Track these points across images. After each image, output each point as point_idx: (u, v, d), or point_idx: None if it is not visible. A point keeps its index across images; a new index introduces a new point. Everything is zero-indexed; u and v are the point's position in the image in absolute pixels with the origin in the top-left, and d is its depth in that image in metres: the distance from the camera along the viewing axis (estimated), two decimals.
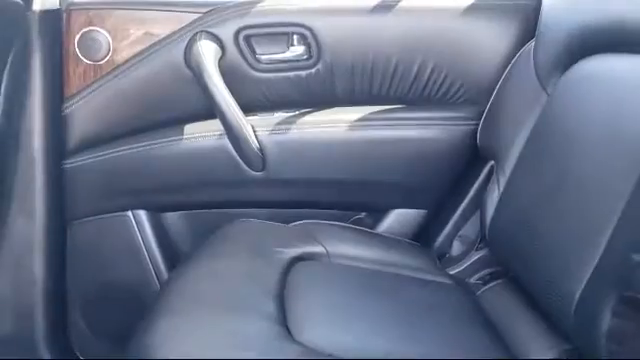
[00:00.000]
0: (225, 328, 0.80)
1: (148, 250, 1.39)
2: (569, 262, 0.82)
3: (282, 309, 0.89)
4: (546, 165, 0.99)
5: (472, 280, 1.17)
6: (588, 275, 0.76)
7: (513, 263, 1.06)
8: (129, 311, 1.38)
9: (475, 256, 1.21)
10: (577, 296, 0.78)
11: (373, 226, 1.38)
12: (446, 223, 1.32)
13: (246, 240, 1.16)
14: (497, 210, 1.12)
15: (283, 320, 0.85)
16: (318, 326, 0.85)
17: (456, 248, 1.29)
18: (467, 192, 1.29)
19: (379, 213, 1.39)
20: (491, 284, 1.13)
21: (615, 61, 0.92)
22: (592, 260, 0.77)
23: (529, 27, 1.23)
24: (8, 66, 1.14)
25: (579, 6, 1.07)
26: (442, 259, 1.28)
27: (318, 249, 1.15)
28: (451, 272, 1.20)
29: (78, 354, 1.43)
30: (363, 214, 1.41)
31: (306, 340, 0.80)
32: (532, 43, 1.19)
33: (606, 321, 0.71)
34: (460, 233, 1.30)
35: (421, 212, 1.37)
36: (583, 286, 0.77)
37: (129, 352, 0.81)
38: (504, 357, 0.87)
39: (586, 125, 0.92)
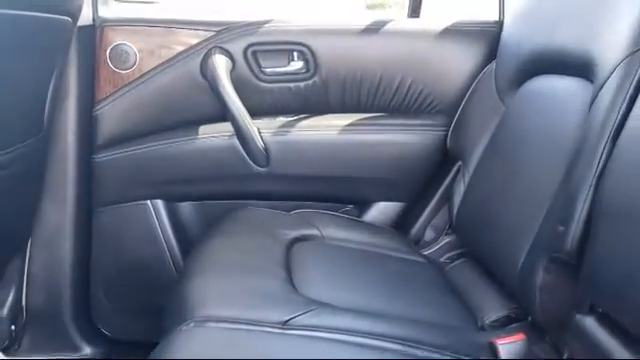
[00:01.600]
0: (246, 285, 1.01)
1: (164, 235, 1.58)
2: (516, 237, 1.05)
3: (289, 274, 1.10)
4: (501, 163, 1.23)
5: (442, 259, 1.40)
6: (529, 244, 1.00)
7: (474, 243, 1.29)
8: (146, 289, 1.59)
9: (444, 240, 1.44)
10: (521, 262, 1.01)
11: (359, 216, 1.60)
12: (421, 213, 1.54)
13: (254, 223, 1.37)
14: (462, 201, 1.36)
15: (291, 281, 1.06)
16: (317, 286, 1.06)
17: (429, 234, 1.51)
18: (439, 187, 1.52)
19: (364, 205, 1.61)
20: (456, 262, 1.35)
21: (555, 81, 1.15)
22: (532, 233, 1.00)
23: (492, 50, 1.47)
24: (54, 78, 1.32)
25: (530, 34, 1.30)
26: (417, 243, 1.50)
27: (314, 232, 1.36)
28: (424, 253, 1.42)
29: (100, 327, 1.61)
30: (351, 206, 1.62)
31: (309, 294, 1.01)
32: (494, 63, 1.43)
33: (540, 277, 0.94)
34: (432, 222, 1.53)
35: (400, 204, 1.60)
36: (525, 253, 1.00)
37: (172, 299, 1.01)
38: (464, 314, 1.09)
39: (531, 131, 1.15)
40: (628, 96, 0.84)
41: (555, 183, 0.98)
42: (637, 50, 0.86)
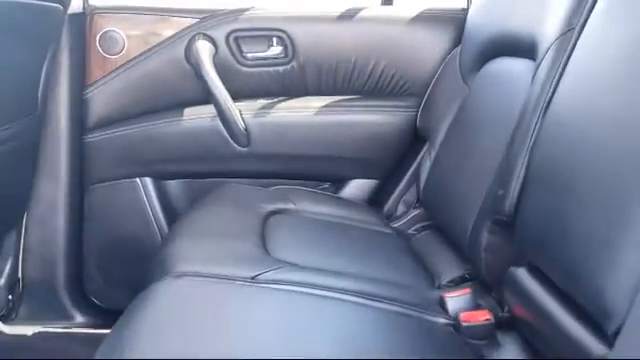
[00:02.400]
0: (225, 248, 1.11)
1: (152, 211, 1.68)
2: (468, 204, 1.15)
3: (263, 240, 1.19)
4: (460, 140, 1.33)
5: (409, 231, 1.50)
6: (477, 209, 1.10)
7: (437, 215, 1.39)
8: (136, 261, 1.67)
9: (412, 214, 1.54)
10: (470, 226, 1.11)
11: (336, 193, 1.70)
12: (393, 190, 1.64)
13: (234, 197, 1.47)
14: (427, 177, 1.46)
15: (264, 246, 1.16)
16: (287, 250, 1.15)
17: (400, 209, 1.61)
18: (410, 165, 1.62)
19: (341, 182, 1.71)
20: (422, 233, 1.45)
21: (510, 62, 1.25)
22: (480, 199, 1.10)
23: (458, 35, 1.57)
24: (47, 61, 1.42)
25: (490, 19, 1.40)
26: (390, 218, 1.60)
27: (290, 206, 1.46)
28: (394, 226, 1.52)
29: (92, 297, 1.71)
30: (328, 184, 1.72)
31: (278, 256, 1.11)
32: (459, 48, 1.53)
33: (484, 238, 1.04)
34: (404, 197, 1.63)
35: (374, 181, 1.70)
36: (474, 218, 1.10)
37: (153, 262, 1.11)
38: (422, 276, 1.19)
39: (486, 109, 1.25)
40: (558, 73, 0.94)
41: (501, 154, 1.08)
42: (568, 30, 0.96)
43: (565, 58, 0.93)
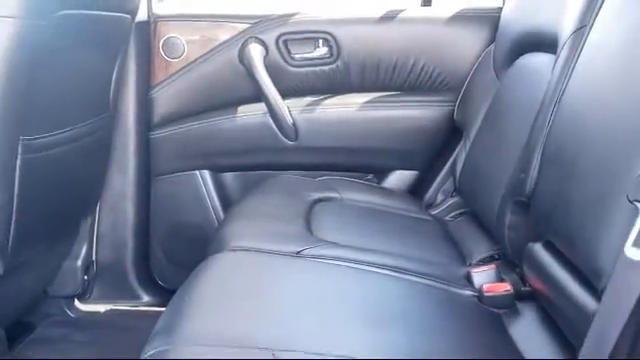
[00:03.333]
0: (273, 228, 1.25)
1: (210, 200, 1.84)
2: (496, 188, 1.24)
3: (308, 223, 1.32)
4: (492, 131, 1.42)
5: (447, 218, 1.60)
6: (502, 192, 1.19)
7: (472, 202, 1.49)
8: (195, 245, 1.83)
9: (450, 202, 1.64)
10: (497, 208, 1.21)
11: (378, 183, 1.82)
12: (433, 180, 1.75)
13: (283, 187, 1.61)
14: (463, 167, 1.55)
15: (309, 228, 1.29)
16: (329, 232, 1.28)
17: (439, 198, 1.72)
18: (448, 156, 1.72)
19: (383, 173, 1.82)
20: (458, 219, 1.55)
21: (537, 57, 1.33)
22: (505, 183, 1.19)
23: (493, 33, 1.65)
24: (117, 66, 1.59)
25: (521, 17, 1.48)
26: (430, 206, 1.71)
27: (334, 195, 1.59)
28: (432, 213, 1.63)
29: (157, 279, 1.89)
30: (371, 175, 1.84)
31: (322, 237, 1.24)
32: (493, 45, 1.62)
33: (508, 218, 1.14)
34: (443, 187, 1.73)
35: (414, 172, 1.80)
36: (499, 201, 1.20)
37: (211, 239, 1.26)
38: (454, 255, 1.30)
39: (515, 101, 1.34)
40: (570, 68, 1.02)
41: (523, 142, 1.17)
42: (581, 27, 1.04)
43: (578, 53, 1.02)
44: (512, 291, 1.06)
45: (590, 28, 1.00)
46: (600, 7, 0.99)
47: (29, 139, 1.21)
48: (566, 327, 0.90)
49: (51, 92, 1.25)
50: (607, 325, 0.69)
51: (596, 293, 0.76)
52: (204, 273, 1.02)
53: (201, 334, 0.80)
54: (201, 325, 0.83)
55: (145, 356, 0.76)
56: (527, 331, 1.00)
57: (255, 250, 1.11)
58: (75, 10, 1.22)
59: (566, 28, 1.12)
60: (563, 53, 1.08)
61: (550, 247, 0.98)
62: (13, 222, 1.22)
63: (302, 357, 0.75)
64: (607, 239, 0.74)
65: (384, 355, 0.80)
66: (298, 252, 1.12)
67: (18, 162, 1.19)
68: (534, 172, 1.06)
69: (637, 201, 0.67)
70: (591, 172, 0.82)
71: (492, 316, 1.04)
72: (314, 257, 1.12)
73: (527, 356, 0.93)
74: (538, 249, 1.00)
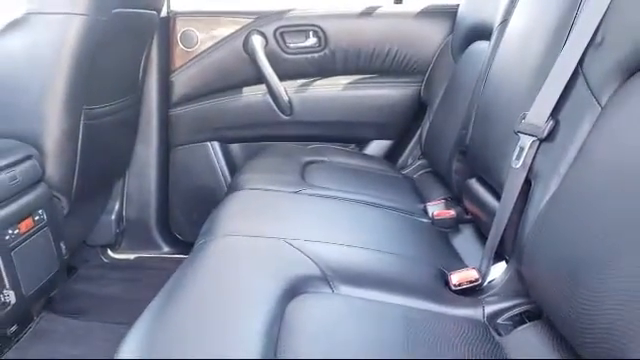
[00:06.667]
0: (275, 177, 1.61)
1: (219, 166, 2.20)
2: (447, 144, 1.61)
3: (302, 176, 1.69)
4: (447, 103, 1.80)
5: (415, 176, 1.97)
6: (451, 146, 1.57)
7: (432, 161, 1.86)
8: (207, 205, 2.18)
9: (417, 163, 2.01)
10: (447, 158, 1.58)
11: (360, 151, 2.19)
12: (405, 147, 2.13)
13: (282, 152, 1.97)
14: (427, 133, 1.93)
15: (303, 182, 1.65)
16: (320, 181, 1.64)
17: (409, 161, 2.09)
18: (416, 128, 2.10)
19: (364, 143, 2.20)
20: (423, 176, 1.92)
21: (483, 45, 1.70)
22: (453, 139, 1.56)
23: (452, 25, 2.03)
24: (144, 54, 1.95)
25: (471, 12, 1.85)
26: (402, 169, 2.08)
27: (323, 159, 1.94)
28: (403, 172, 2.00)
29: (175, 233, 2.25)
30: (353, 145, 2.21)
31: (314, 185, 1.60)
32: (452, 35, 1.99)
33: (454, 164, 1.52)
34: (413, 153, 2.11)
35: (390, 142, 2.18)
36: (448, 152, 1.57)
37: (228, 187, 1.62)
38: (415, 198, 1.67)
39: (464, 80, 1.71)
40: (495, 51, 1.40)
41: (466, 108, 1.54)
42: (503, 20, 1.42)
43: (500, 40, 1.40)
44: (455, 216, 1.44)
45: (508, 21, 1.38)
46: (515, 5, 1.36)
47: (89, 108, 1.57)
48: (487, 233, 1.27)
49: (103, 73, 1.61)
50: (502, 213, 1.06)
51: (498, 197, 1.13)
52: (229, 202, 1.38)
53: (233, 231, 1.17)
54: (231, 227, 1.19)
55: (202, 240, 1.12)
56: (465, 243, 1.37)
57: (263, 189, 1.48)
58: (124, 8, 1.58)
59: (496, 21, 1.49)
60: (492, 41, 1.46)
61: (480, 180, 1.35)
62: (76, 173, 1.57)
63: (305, 242, 1.11)
64: (506, 161, 1.11)
65: (363, 243, 1.16)
66: (296, 191, 1.49)
67: (81, 126, 1.55)
68: (471, 128, 1.43)
69: (518, 132, 1.05)
70: (499, 119, 1.20)
71: (441, 234, 1.41)
72: (309, 195, 1.49)
73: (464, 258, 1.30)
74: (473, 182, 1.37)
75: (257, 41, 2.08)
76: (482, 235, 1.36)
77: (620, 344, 0.65)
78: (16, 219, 1.33)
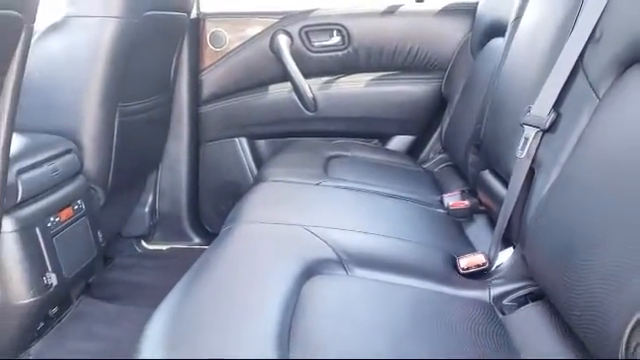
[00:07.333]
0: (299, 170, 1.69)
1: (247, 162, 2.29)
2: (464, 138, 1.67)
3: (325, 169, 1.76)
4: (465, 99, 1.85)
5: (435, 170, 2.02)
6: (467, 140, 1.62)
7: (452, 154, 1.91)
8: (235, 197, 2.27)
9: (437, 157, 2.07)
10: (464, 151, 1.64)
11: (382, 147, 2.25)
12: (427, 142, 2.18)
13: (306, 147, 2.05)
14: (447, 128, 1.98)
15: (326, 174, 1.72)
16: (342, 174, 1.71)
17: (430, 155, 2.15)
18: (437, 123, 2.15)
19: (386, 138, 2.26)
20: (443, 169, 1.98)
21: (499, 42, 1.74)
22: (469, 133, 1.62)
23: (472, 23, 2.07)
24: (175, 54, 2.04)
25: (489, 9, 1.90)
26: (422, 163, 2.14)
27: (346, 153, 2.01)
28: (424, 167, 2.06)
29: (205, 225, 2.35)
30: (376, 140, 2.28)
31: (335, 178, 1.67)
32: (471, 32, 2.04)
33: (470, 157, 1.57)
34: (434, 147, 2.16)
35: (411, 137, 2.24)
36: (465, 146, 1.63)
37: (254, 178, 1.71)
38: (434, 190, 1.72)
39: (481, 76, 1.76)
40: (509, 47, 1.45)
41: (482, 103, 1.60)
42: (517, 17, 1.47)
43: (513, 38, 1.45)
44: (470, 206, 1.49)
45: (521, 18, 1.43)
46: (527, 3, 1.41)
47: (123, 105, 1.67)
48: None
49: (136, 72, 1.71)
50: (509, 200, 1.12)
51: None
52: (254, 192, 1.46)
53: (255, 218, 1.25)
54: (254, 215, 1.28)
55: (226, 227, 1.21)
56: (478, 231, 1.43)
57: (286, 181, 1.56)
58: (155, 11, 1.67)
59: (510, 19, 1.54)
60: (506, 37, 1.51)
61: (493, 172, 1.41)
62: (112, 167, 1.68)
63: (323, 229, 1.18)
64: (514, 153, 1.16)
65: (378, 230, 1.23)
66: (317, 183, 1.57)
67: (116, 122, 1.65)
68: (484, 122, 1.49)
69: (523, 124, 1.10)
70: (509, 113, 1.25)
71: (455, 223, 1.47)
72: (329, 186, 1.56)
73: (476, 245, 1.36)
74: (486, 174, 1.43)
75: (283, 40, 2.16)
76: (494, 224, 1.41)
77: (601, 312, 0.71)
78: (57, 208, 1.44)
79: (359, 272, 1.09)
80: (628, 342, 0.65)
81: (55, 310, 1.52)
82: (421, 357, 0.86)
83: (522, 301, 1.05)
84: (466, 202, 1.51)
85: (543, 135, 1.06)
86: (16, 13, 0.99)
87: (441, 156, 2.07)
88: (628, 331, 0.65)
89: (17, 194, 1.31)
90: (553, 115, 1.04)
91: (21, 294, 1.32)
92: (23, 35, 1.04)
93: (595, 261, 0.77)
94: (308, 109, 2.21)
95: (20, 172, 1.33)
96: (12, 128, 1.12)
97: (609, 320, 0.71)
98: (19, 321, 1.35)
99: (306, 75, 2.19)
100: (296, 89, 2.19)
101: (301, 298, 0.96)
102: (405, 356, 0.85)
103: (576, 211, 0.89)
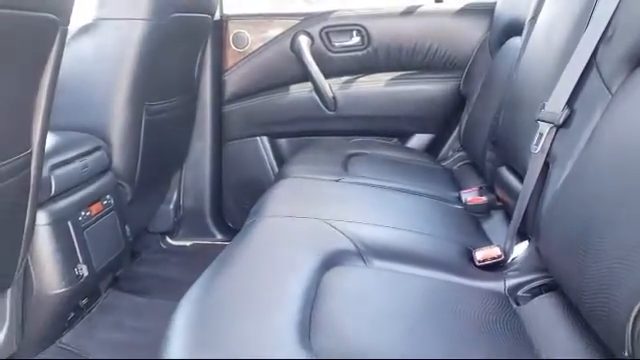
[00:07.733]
0: (319, 167, 1.73)
1: (268, 160, 2.34)
2: (482, 134, 1.69)
3: (345, 167, 1.80)
4: (483, 96, 1.88)
5: (454, 168, 2.05)
6: (485, 136, 1.65)
7: (470, 152, 1.94)
8: (257, 195, 2.32)
9: (456, 155, 2.09)
10: (482, 148, 1.66)
11: (402, 145, 2.28)
12: (446, 140, 2.21)
13: (327, 146, 2.09)
14: (466, 126, 2.01)
15: (346, 171, 1.76)
16: (361, 171, 1.75)
17: (449, 154, 2.17)
18: (456, 121, 2.17)
19: (405, 137, 2.29)
20: (462, 166, 2.00)
21: (517, 40, 1.77)
22: (487, 130, 1.65)
23: (490, 22, 2.10)
24: (199, 55, 2.10)
25: (507, 8, 1.92)
26: (441, 161, 2.17)
27: (365, 151, 2.05)
28: (443, 164, 2.09)
29: (228, 222, 2.40)
30: (395, 139, 2.31)
31: (355, 175, 1.71)
32: (489, 32, 2.06)
33: (487, 154, 1.60)
34: (453, 146, 2.19)
35: (430, 135, 2.27)
36: (482, 143, 1.65)
37: (276, 176, 1.75)
38: (451, 187, 1.75)
39: (500, 75, 1.79)
40: (525, 46, 1.47)
41: (499, 100, 1.62)
42: (533, 16, 1.49)
43: (529, 37, 1.47)
44: (487, 202, 1.52)
45: (537, 17, 1.45)
46: (544, 1, 1.44)
47: (150, 104, 1.73)
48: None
49: (162, 72, 1.77)
50: (524, 194, 1.15)
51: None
52: (275, 188, 1.51)
53: (277, 213, 1.30)
54: (275, 209, 1.32)
55: (249, 221, 1.26)
56: (494, 226, 1.46)
57: (306, 178, 1.60)
58: (181, 13, 1.73)
59: (528, 18, 1.57)
60: (523, 36, 1.54)
61: (509, 168, 1.44)
62: (139, 164, 1.74)
63: (342, 222, 1.22)
64: (529, 148, 1.19)
65: (397, 224, 1.27)
66: (337, 180, 1.61)
67: (143, 121, 1.71)
68: (501, 119, 1.52)
69: (538, 120, 1.13)
70: (525, 110, 1.28)
71: (472, 218, 1.50)
72: (349, 182, 1.60)
73: (492, 239, 1.39)
74: (503, 170, 1.46)
75: (304, 41, 2.21)
76: (510, 219, 1.43)
77: (610, 297, 0.74)
78: (87, 202, 1.50)
79: (377, 263, 1.13)
80: (634, 325, 0.68)
81: (85, 301, 1.58)
82: (437, 344, 0.90)
83: (536, 292, 1.07)
84: (483, 198, 1.53)
85: (557, 130, 1.09)
86: (52, 16, 1.05)
87: (460, 154, 2.09)
88: (634, 315, 0.68)
89: (50, 189, 1.37)
90: (567, 111, 1.06)
91: (54, 284, 1.38)
92: (58, 37, 1.10)
93: (606, 250, 0.80)
94: (328, 108, 2.25)
95: (53, 168, 1.39)
96: (47, 126, 1.18)
97: (617, 304, 0.74)
98: (51, 310, 1.41)
99: (326, 75, 2.23)
100: (317, 89, 2.23)
101: (321, 288, 0.99)
102: (421, 343, 0.89)
103: (589, 203, 0.92)
